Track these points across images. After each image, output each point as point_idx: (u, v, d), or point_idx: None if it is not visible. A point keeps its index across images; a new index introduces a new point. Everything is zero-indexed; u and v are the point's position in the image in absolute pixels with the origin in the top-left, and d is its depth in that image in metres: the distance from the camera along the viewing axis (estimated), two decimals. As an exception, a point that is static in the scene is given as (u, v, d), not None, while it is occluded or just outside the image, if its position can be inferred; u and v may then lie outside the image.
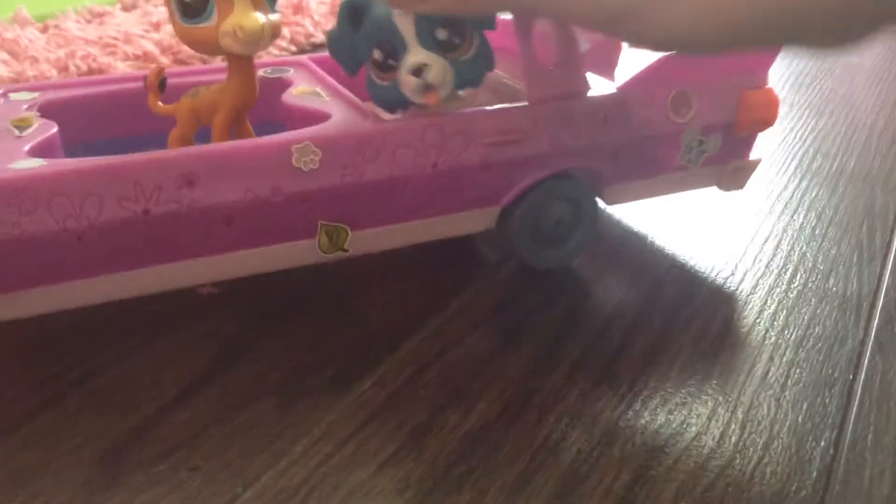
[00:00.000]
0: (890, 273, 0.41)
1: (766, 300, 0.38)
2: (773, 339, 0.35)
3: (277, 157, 0.32)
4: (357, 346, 0.34)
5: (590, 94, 0.38)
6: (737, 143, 0.42)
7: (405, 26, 0.33)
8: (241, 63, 0.35)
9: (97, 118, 0.39)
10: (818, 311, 0.38)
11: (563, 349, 0.34)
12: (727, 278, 0.40)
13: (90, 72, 0.65)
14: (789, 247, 0.43)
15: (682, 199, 0.46)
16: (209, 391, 0.31)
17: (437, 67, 0.33)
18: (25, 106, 0.36)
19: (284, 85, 0.39)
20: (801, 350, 0.35)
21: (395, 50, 0.33)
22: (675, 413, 0.31)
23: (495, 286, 0.39)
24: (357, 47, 0.34)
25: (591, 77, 0.39)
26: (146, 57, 0.69)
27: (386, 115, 0.35)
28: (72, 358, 0.33)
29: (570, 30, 0.37)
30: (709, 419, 0.30)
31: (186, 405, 0.30)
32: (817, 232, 0.45)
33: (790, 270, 0.41)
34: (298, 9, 0.84)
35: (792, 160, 0.54)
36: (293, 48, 0.78)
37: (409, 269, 0.40)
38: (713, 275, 0.40)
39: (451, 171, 0.35)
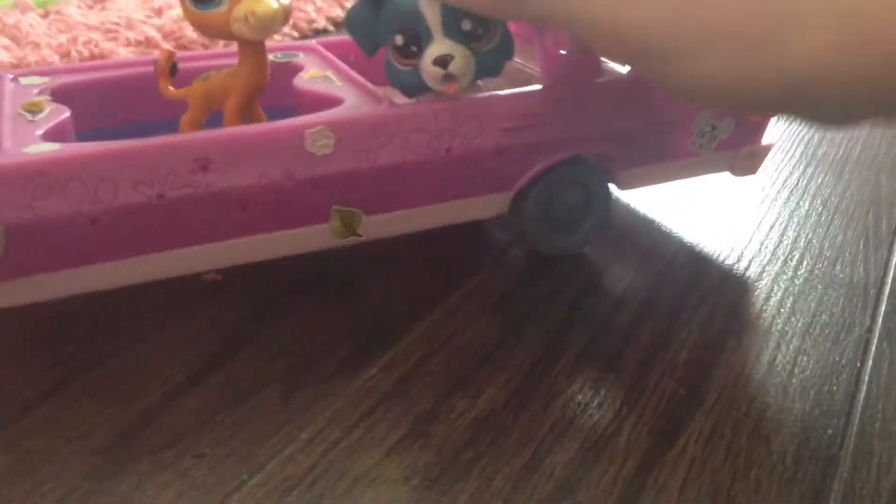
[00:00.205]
0: (897, 260, 0.41)
1: (773, 287, 0.38)
2: (780, 326, 0.35)
3: (291, 142, 0.32)
4: (363, 332, 0.34)
5: (603, 78, 0.38)
6: (749, 128, 0.42)
7: (431, 15, 0.33)
8: (253, 47, 0.35)
9: (107, 103, 0.39)
10: (825, 298, 0.37)
11: (570, 336, 0.34)
12: (733, 265, 0.40)
13: (92, 57, 0.65)
14: (795, 234, 0.43)
15: (687, 186, 0.45)
16: (215, 379, 0.31)
17: (461, 59, 0.33)
18: (36, 90, 0.36)
19: (294, 70, 0.39)
20: (807, 337, 0.35)
21: (418, 37, 0.33)
22: (682, 401, 0.31)
23: (502, 272, 0.39)
24: (377, 29, 0.34)
25: (605, 62, 0.39)
26: (148, 42, 0.69)
27: (399, 99, 0.35)
28: (76, 346, 0.33)
29: None
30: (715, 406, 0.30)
31: (192, 393, 0.30)
32: (823, 219, 0.45)
33: (796, 257, 0.41)
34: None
35: (797, 147, 0.54)
36: (295, 34, 0.78)
37: (414, 256, 0.39)
38: (718, 262, 0.40)
39: (465, 155, 0.35)
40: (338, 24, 0.81)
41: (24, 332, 0.34)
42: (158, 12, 0.76)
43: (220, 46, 0.68)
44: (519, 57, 0.40)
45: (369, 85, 0.36)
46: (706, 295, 0.37)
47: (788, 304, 0.37)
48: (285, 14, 0.33)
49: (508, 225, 0.40)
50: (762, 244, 0.42)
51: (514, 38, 0.35)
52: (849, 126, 0.27)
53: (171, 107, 0.36)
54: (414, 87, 0.35)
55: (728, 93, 0.27)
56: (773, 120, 0.42)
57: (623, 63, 0.29)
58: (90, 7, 0.79)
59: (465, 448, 0.28)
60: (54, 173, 0.29)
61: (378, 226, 0.35)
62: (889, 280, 0.39)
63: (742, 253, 0.41)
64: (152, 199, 0.31)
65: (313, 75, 0.38)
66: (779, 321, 0.36)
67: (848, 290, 0.38)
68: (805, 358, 0.33)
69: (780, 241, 0.42)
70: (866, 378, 0.32)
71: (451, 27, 0.33)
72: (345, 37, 0.39)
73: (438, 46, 0.33)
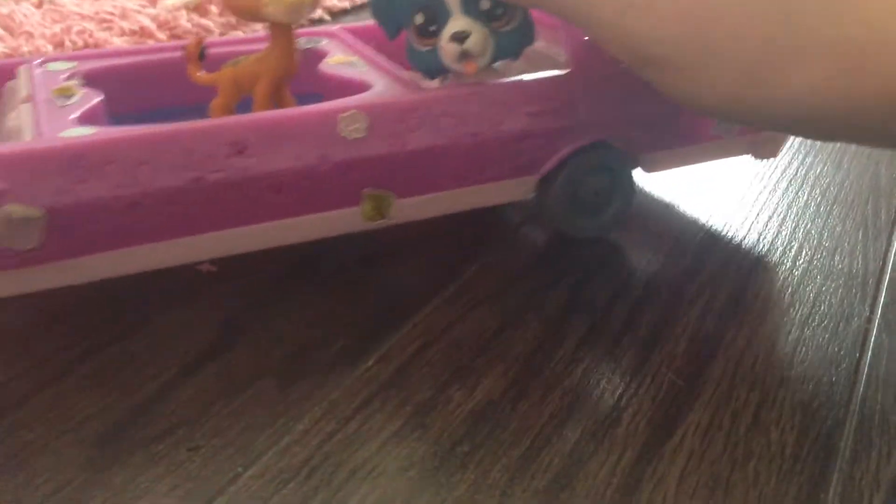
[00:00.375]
0: (896, 250, 0.41)
1: (771, 278, 0.38)
2: (779, 317, 0.35)
3: (325, 126, 0.33)
4: (360, 322, 0.34)
5: None
6: None
7: None
8: (283, 31, 0.35)
9: (136, 88, 0.39)
10: (823, 288, 0.37)
11: (569, 325, 0.34)
12: (730, 255, 0.40)
13: (86, 47, 0.65)
14: (794, 224, 0.43)
15: (684, 175, 0.45)
16: (211, 369, 0.31)
17: (478, 36, 0.33)
18: (64, 76, 0.36)
19: (319, 55, 0.40)
20: (806, 328, 0.34)
21: (437, 15, 0.34)
22: (680, 391, 0.31)
23: (501, 261, 0.39)
24: (399, 10, 0.34)
25: None
26: (142, 32, 0.69)
27: (426, 84, 0.36)
28: (71, 336, 0.32)
29: None
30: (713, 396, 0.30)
31: (188, 383, 0.30)
32: (822, 209, 0.44)
33: (795, 248, 0.40)
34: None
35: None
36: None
37: (411, 247, 0.39)
38: (716, 252, 0.40)
39: (493, 139, 0.36)
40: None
41: (18, 323, 0.33)
42: (153, 2, 0.75)
43: (215, 36, 0.68)
44: (544, 42, 0.40)
45: (396, 69, 0.37)
46: (704, 285, 0.37)
47: (787, 295, 0.37)
48: None
49: (518, 209, 0.40)
50: (760, 234, 0.42)
51: (535, 24, 0.35)
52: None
53: (199, 92, 0.36)
54: (433, 68, 0.35)
55: (727, 111, 0.28)
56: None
57: (628, 65, 0.30)
58: (84, -4, 0.78)
59: (462, 439, 0.28)
60: (92, 157, 0.29)
61: (407, 209, 0.35)
62: (888, 270, 0.39)
63: (740, 243, 0.41)
64: (189, 183, 0.31)
65: (339, 60, 0.39)
66: (777, 312, 0.35)
67: (847, 281, 0.38)
68: (804, 349, 0.33)
69: (779, 232, 0.42)
70: (865, 369, 0.32)
71: (470, 5, 0.33)
72: (367, 22, 0.39)
73: (456, 22, 0.33)
